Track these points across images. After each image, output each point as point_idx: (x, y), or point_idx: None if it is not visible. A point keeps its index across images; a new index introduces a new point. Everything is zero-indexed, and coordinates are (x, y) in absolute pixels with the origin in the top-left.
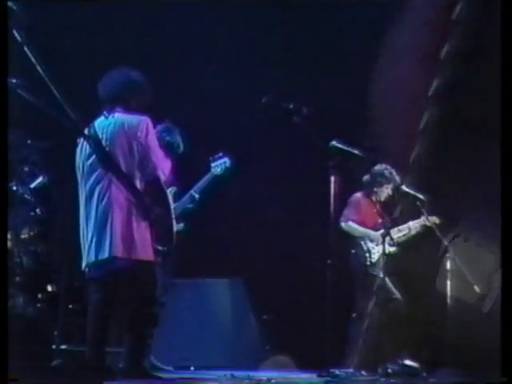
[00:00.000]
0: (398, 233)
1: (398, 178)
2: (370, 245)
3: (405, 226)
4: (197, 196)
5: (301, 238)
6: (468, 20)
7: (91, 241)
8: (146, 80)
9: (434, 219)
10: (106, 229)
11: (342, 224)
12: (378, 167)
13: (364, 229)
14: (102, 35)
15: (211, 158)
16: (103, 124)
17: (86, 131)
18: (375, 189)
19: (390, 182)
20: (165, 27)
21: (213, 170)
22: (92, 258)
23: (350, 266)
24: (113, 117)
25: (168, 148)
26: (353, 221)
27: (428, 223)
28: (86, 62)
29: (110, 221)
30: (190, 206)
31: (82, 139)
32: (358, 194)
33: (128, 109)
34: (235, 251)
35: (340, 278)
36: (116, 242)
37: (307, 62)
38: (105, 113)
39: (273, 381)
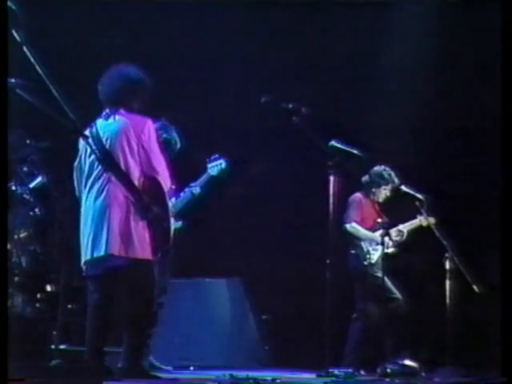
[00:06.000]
0: (397, 233)
1: (396, 180)
2: (369, 245)
3: (403, 226)
4: (198, 189)
5: (300, 238)
6: (468, 21)
7: (88, 238)
8: (145, 75)
9: (431, 220)
10: (103, 226)
11: (347, 226)
12: (376, 168)
13: (367, 231)
14: (101, 35)
15: (207, 160)
16: (105, 124)
17: (87, 130)
18: (373, 189)
19: (388, 183)
20: (164, 27)
21: (209, 170)
22: (89, 255)
23: (350, 267)
24: (114, 117)
25: (165, 145)
26: (356, 222)
27: (424, 224)
28: (86, 61)
29: (107, 219)
30: (191, 198)
31: (82, 138)
32: (358, 194)
33: (131, 110)
34: (234, 251)
35: (340, 277)
36: (113, 239)
37: (307, 62)
38: (107, 113)
39: (277, 381)
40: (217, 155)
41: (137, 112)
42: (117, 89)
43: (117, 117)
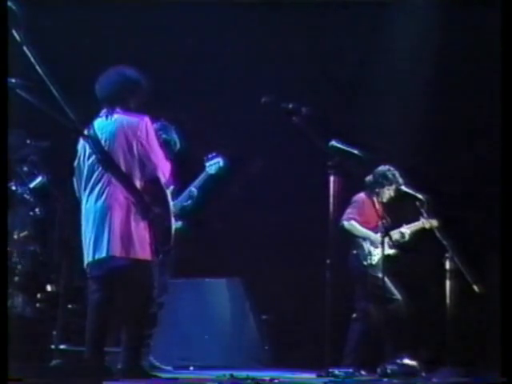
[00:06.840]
0: (398, 234)
1: (401, 180)
2: (371, 246)
3: (404, 227)
4: (195, 192)
5: (300, 238)
6: (468, 20)
7: (90, 240)
8: (142, 76)
9: (433, 222)
10: (104, 228)
11: (345, 223)
12: (380, 168)
13: (365, 230)
14: (101, 35)
15: (205, 158)
16: (102, 124)
17: (85, 131)
18: (377, 190)
19: (392, 183)
20: (163, 27)
21: (207, 169)
22: (91, 257)
23: (350, 266)
24: (112, 117)
25: (165, 146)
26: (355, 220)
27: (427, 226)
28: (86, 61)
29: (108, 220)
30: (189, 202)
31: (81, 139)
32: (362, 194)
33: (128, 109)
34: (234, 251)
35: (340, 278)
36: (114, 241)
37: (307, 63)
38: (104, 113)
39: (276, 381)
40: (214, 153)
41: (134, 111)
42: (114, 87)
43: (114, 116)
